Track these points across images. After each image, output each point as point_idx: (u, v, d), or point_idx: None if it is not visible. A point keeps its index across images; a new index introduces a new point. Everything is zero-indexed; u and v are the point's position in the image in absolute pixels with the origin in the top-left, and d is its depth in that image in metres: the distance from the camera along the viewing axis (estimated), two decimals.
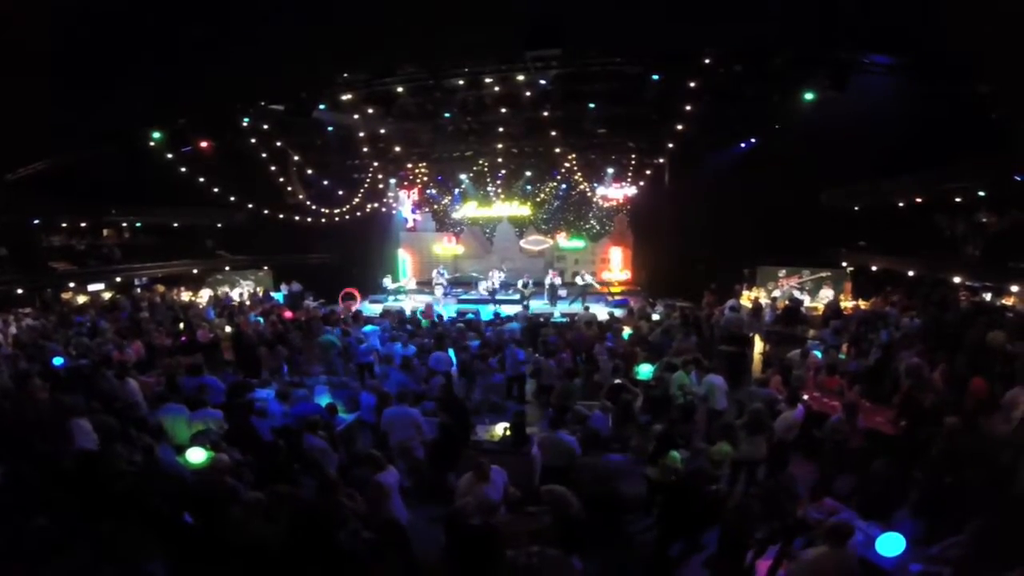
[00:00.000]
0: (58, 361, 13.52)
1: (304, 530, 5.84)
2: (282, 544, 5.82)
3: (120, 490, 6.76)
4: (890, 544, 5.80)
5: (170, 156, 18.53)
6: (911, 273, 19.29)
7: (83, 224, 24.57)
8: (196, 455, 7.96)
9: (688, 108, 17.25)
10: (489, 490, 7.29)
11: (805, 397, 10.91)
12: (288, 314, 20.95)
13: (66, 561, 5.68)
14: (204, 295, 25.36)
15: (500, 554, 4.55)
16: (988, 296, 16.76)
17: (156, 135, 17.43)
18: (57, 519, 6.12)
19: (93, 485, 6.90)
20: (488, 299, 24.97)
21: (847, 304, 20.36)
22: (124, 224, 26.66)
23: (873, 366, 12.81)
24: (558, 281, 25.42)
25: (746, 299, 21.44)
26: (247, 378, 13.07)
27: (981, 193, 16.28)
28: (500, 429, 10.29)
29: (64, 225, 24.09)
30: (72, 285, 23.06)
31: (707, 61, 14.81)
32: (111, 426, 8.99)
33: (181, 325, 18.39)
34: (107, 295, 23.56)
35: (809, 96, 15.31)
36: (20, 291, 20.63)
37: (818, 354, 13.63)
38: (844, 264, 22.82)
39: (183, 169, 19.32)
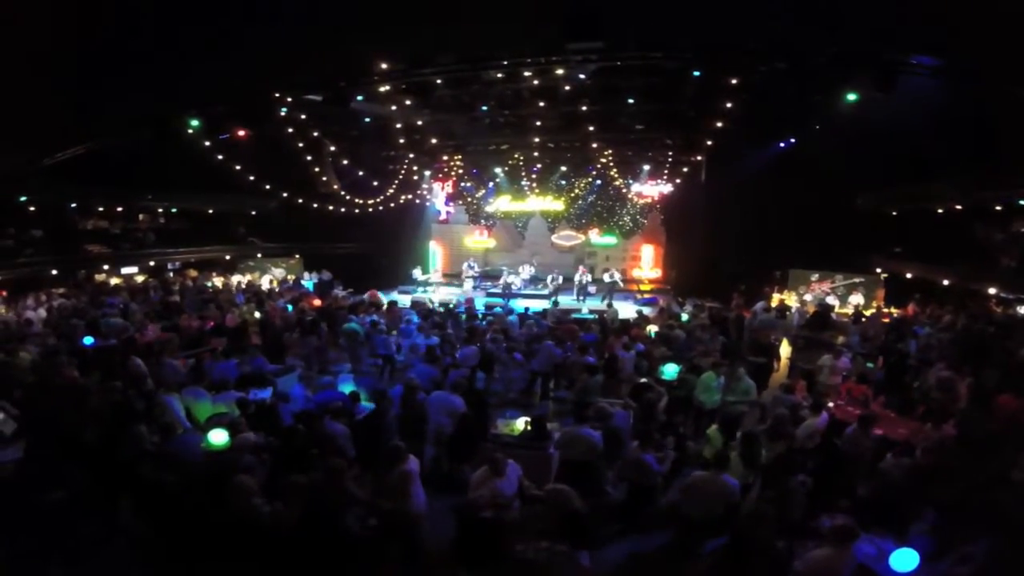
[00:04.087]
0: (88, 340, 13.65)
1: (309, 514, 5.80)
2: (287, 527, 5.78)
3: (140, 470, 6.78)
4: (904, 560, 5.65)
5: (207, 143, 18.61)
6: (945, 282, 18.87)
7: (119, 209, 24.88)
8: (218, 436, 7.96)
9: (728, 105, 16.97)
10: (503, 484, 7.18)
11: (830, 405, 10.66)
12: (316, 302, 21.01)
13: (79, 534, 5.70)
14: (235, 280, 25.51)
15: (508, 548, 4.47)
16: (1022, 309, 16.35)
17: (193, 122, 17.50)
18: (74, 494, 6.16)
19: (113, 463, 6.94)
20: (502, 294, 24.81)
21: (873, 311, 19.98)
22: (159, 209, 26.96)
23: (897, 375, 12.49)
24: (588, 277, 25.24)
25: (775, 301, 21.11)
26: (273, 363, 13.12)
27: (1022, 202, 15.85)
28: (521, 423, 10.21)
29: (100, 209, 24.40)
30: (106, 267, 23.39)
31: (749, 57, 14.54)
32: (133, 406, 9.04)
33: (214, 307, 18.48)
34: (140, 278, 23.82)
35: (852, 96, 14.97)
36: (54, 272, 20.94)
37: (847, 361, 13.35)
38: (878, 270, 22.38)
39: (219, 156, 19.40)
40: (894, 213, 21.14)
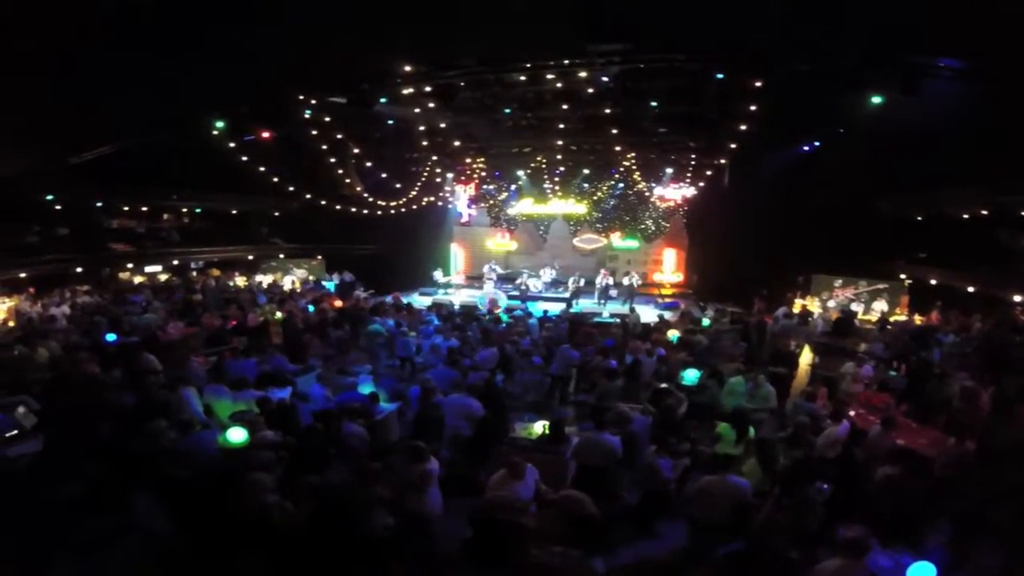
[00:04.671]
0: (110, 337, 13.80)
1: (328, 514, 5.81)
2: (303, 525, 5.79)
3: (157, 465, 6.84)
4: (920, 573, 5.55)
5: (231, 144, 18.76)
6: (970, 289, 18.61)
7: (143, 208, 25.17)
8: (236, 434, 8.00)
9: (752, 108, 16.85)
10: (520, 488, 7.15)
11: (852, 413, 10.50)
12: (337, 303, 21.10)
13: (91, 528, 5.75)
14: (257, 280, 25.71)
15: (523, 552, 4.46)
16: None
17: (218, 123, 17.65)
18: (91, 488, 6.21)
19: (130, 458, 6.99)
20: (520, 296, 24.77)
21: (900, 318, 19.73)
22: (183, 209, 27.23)
23: (920, 384, 12.30)
24: (609, 281, 25.18)
25: (797, 307, 20.92)
26: (293, 363, 13.20)
27: None
28: (539, 427, 10.15)
29: (125, 208, 24.68)
30: (130, 266, 23.72)
31: (773, 60, 14.44)
32: (152, 402, 9.13)
33: (236, 307, 18.63)
34: (163, 277, 24.08)
35: (876, 99, 14.80)
36: (79, 269, 21.21)
37: (870, 369, 13.19)
38: (902, 276, 22.11)
39: (243, 157, 19.55)
40: (918, 218, 20.87)
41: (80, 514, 5.90)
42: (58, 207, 21.58)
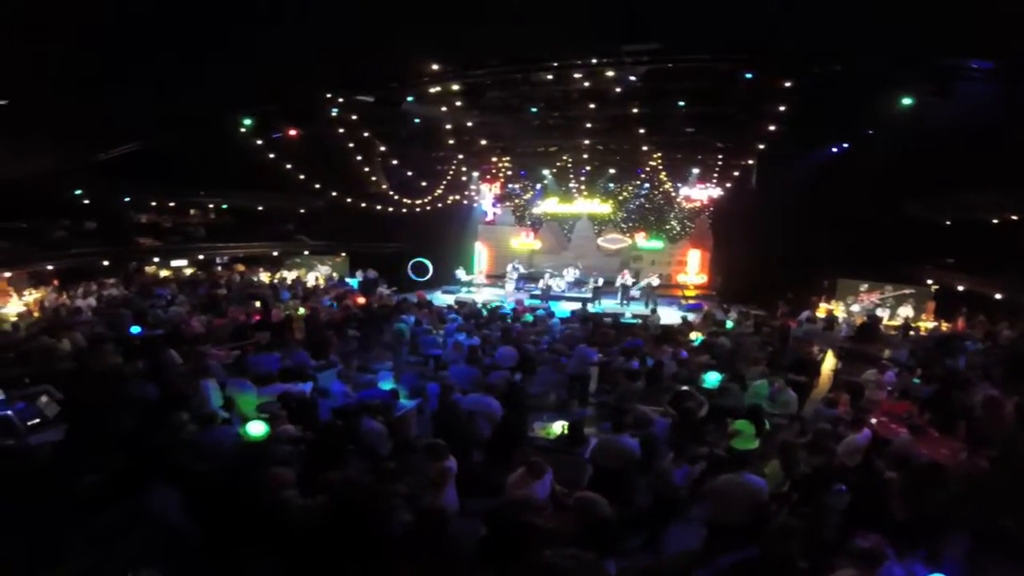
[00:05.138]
0: (135, 330, 13.96)
1: (345, 509, 5.81)
2: (319, 520, 5.81)
3: (177, 457, 6.91)
4: None
5: (258, 142, 18.89)
6: (997, 296, 18.29)
7: (170, 204, 25.48)
8: (255, 428, 8.06)
9: (780, 108, 16.70)
10: (538, 487, 7.15)
11: (873, 421, 10.29)
12: (361, 300, 21.18)
13: (108, 518, 5.80)
14: (281, 277, 25.91)
15: (536, 553, 4.42)
16: None
17: (246, 121, 17.78)
18: (109, 478, 6.27)
19: (149, 449, 7.06)
20: (541, 296, 24.72)
21: (927, 324, 19.44)
22: (210, 205, 27.54)
23: (943, 392, 12.08)
24: (630, 281, 25.11)
25: (822, 311, 20.67)
26: (315, 359, 13.26)
27: None
28: (558, 427, 10.12)
29: (152, 204, 24.99)
30: (155, 260, 24.07)
31: (805, 60, 14.29)
32: (174, 394, 9.23)
33: (257, 304, 18.77)
34: (188, 271, 24.34)
35: (907, 101, 14.58)
36: (105, 263, 21.53)
37: (893, 376, 12.98)
38: (929, 281, 21.77)
39: (270, 155, 19.68)
40: (946, 222, 20.54)
41: (98, 504, 5.96)
42: (86, 202, 21.85)
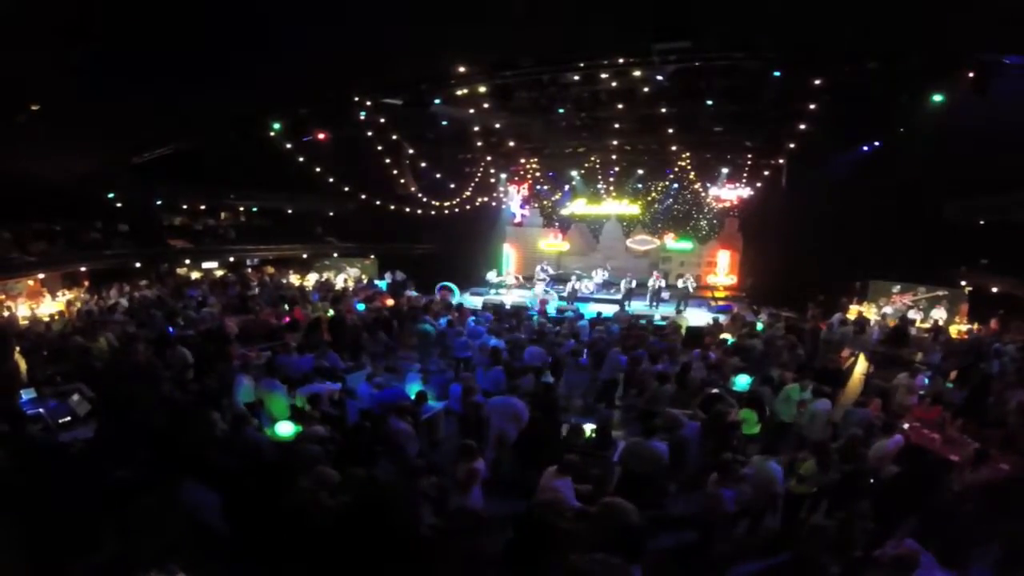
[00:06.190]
0: (170, 329, 14.19)
1: (373, 509, 5.83)
2: (348, 519, 5.84)
3: (208, 455, 6.98)
4: None
5: (288, 145, 19.03)
6: None
7: (202, 206, 25.83)
8: (284, 427, 8.12)
9: (811, 107, 16.48)
10: (566, 487, 7.15)
11: (905, 426, 10.10)
12: (389, 302, 21.27)
13: (138, 514, 5.87)
14: (311, 278, 26.12)
15: (564, 556, 4.42)
16: None
17: (276, 124, 17.92)
18: (139, 473, 6.34)
19: (180, 445, 7.14)
20: (568, 298, 24.66)
21: (961, 328, 19.10)
22: (240, 207, 27.85)
23: (979, 398, 11.81)
24: (661, 283, 24.93)
25: (852, 313, 20.37)
26: (344, 360, 13.34)
27: None
28: (586, 429, 10.12)
29: (184, 206, 25.33)
30: (187, 261, 24.44)
31: (839, 57, 14.10)
32: (207, 392, 9.35)
33: (286, 306, 18.92)
34: (219, 273, 24.62)
35: (938, 98, 14.31)
36: (138, 264, 21.88)
37: (925, 380, 12.74)
38: (963, 283, 21.38)
39: (300, 158, 19.81)
40: (981, 223, 20.15)
41: (128, 499, 6.02)
42: (119, 205, 22.22)
